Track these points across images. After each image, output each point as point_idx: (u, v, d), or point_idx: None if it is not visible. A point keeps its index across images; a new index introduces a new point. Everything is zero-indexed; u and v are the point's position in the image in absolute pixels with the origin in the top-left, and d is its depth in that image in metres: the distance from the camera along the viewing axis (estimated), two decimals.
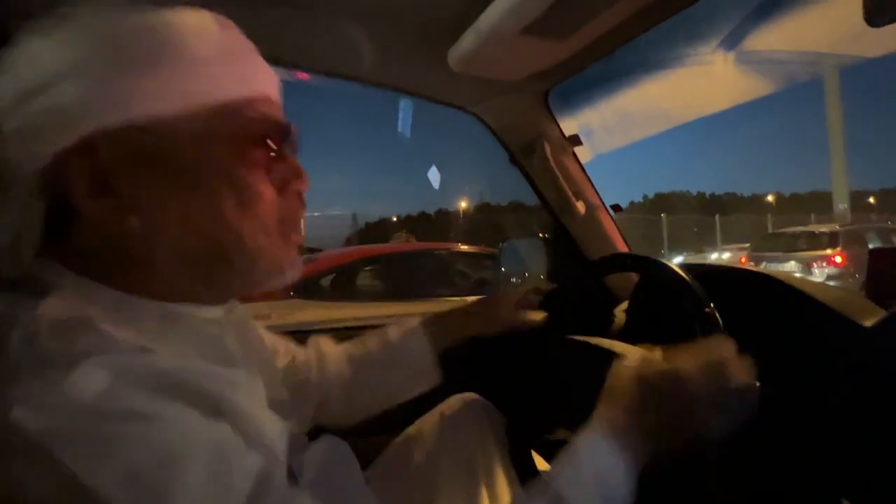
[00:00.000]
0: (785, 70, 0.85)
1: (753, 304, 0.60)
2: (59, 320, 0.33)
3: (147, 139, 0.37)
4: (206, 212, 0.39)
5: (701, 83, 1.02)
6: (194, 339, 0.41)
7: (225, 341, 0.44)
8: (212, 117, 0.39)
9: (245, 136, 0.41)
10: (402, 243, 4.73)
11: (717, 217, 16.82)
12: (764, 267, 7.96)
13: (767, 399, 0.66)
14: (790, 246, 8.78)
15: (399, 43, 0.85)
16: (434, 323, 0.78)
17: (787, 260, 8.35)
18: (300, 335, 0.79)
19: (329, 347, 0.77)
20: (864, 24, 0.56)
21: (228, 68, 0.40)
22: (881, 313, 0.65)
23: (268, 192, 0.42)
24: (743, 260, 9.42)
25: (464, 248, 4.28)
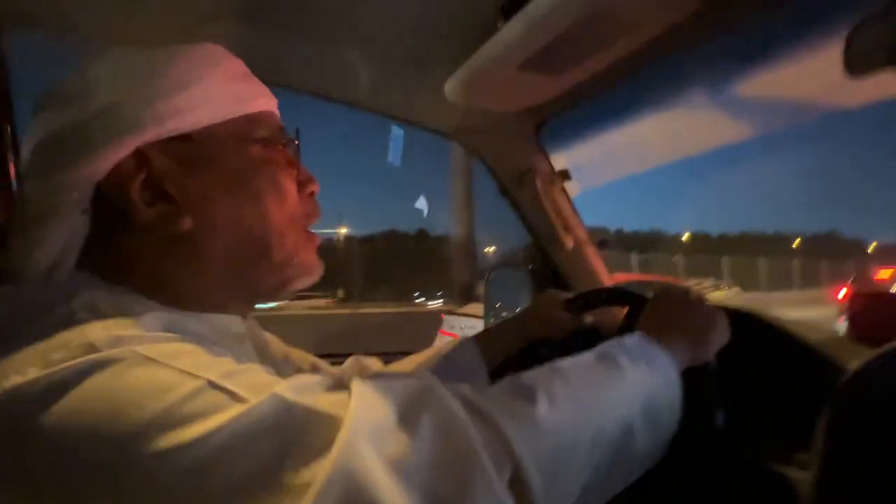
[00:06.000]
0: (767, 116, 0.89)
1: (742, 341, 0.60)
2: (102, 312, 0.36)
3: (193, 146, 0.42)
4: (251, 208, 0.44)
5: (686, 125, 1.06)
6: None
7: (249, 355, 0.47)
8: (244, 125, 0.45)
9: (271, 141, 0.47)
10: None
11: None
12: None
13: (748, 436, 0.66)
14: None
15: (397, 71, 0.86)
16: (485, 335, 0.81)
17: None
18: None
19: (372, 361, 0.77)
20: (842, 75, 0.59)
21: (247, 85, 0.47)
22: (866, 356, 0.66)
23: (293, 192, 0.48)
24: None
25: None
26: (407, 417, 0.34)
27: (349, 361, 0.76)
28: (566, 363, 0.47)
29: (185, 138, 0.42)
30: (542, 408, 0.39)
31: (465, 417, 0.35)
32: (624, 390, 0.46)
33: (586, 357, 0.49)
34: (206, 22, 0.75)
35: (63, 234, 0.40)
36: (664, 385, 0.50)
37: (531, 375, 0.44)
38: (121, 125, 0.39)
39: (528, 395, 0.40)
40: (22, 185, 0.42)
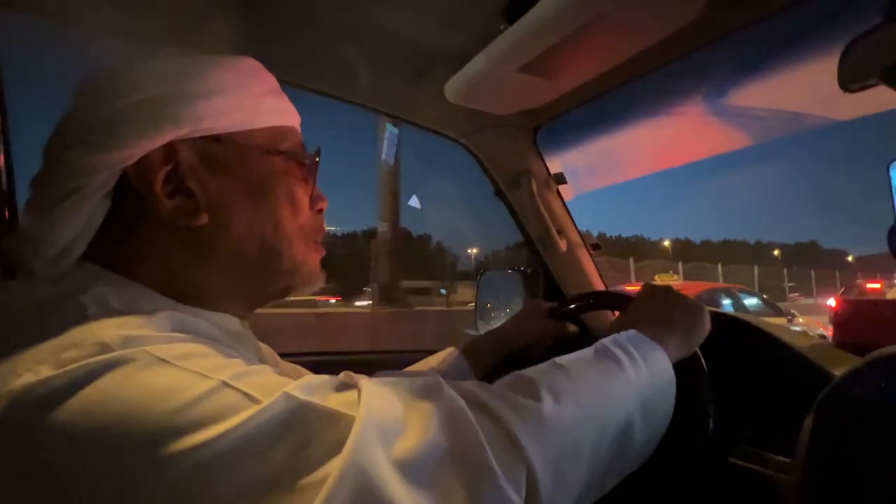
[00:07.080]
0: (762, 126, 0.91)
1: (734, 348, 0.61)
2: (112, 307, 0.36)
3: (221, 148, 0.44)
4: (265, 214, 0.46)
5: (683, 132, 1.08)
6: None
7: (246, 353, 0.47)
8: (271, 136, 0.47)
9: (293, 156, 0.48)
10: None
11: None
12: None
13: (735, 439, 0.67)
14: None
15: (399, 71, 0.86)
16: (472, 347, 0.81)
17: None
18: None
19: (360, 377, 0.76)
20: (837, 88, 0.60)
21: (279, 100, 0.49)
22: (852, 363, 0.67)
23: (306, 205, 0.49)
24: None
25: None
26: (415, 415, 0.35)
27: (341, 377, 0.75)
28: (565, 360, 0.48)
29: (214, 139, 0.43)
30: (547, 405, 0.40)
31: (472, 415, 0.36)
32: (623, 385, 0.47)
33: (584, 353, 0.50)
34: (206, 16, 0.74)
35: (83, 216, 0.40)
36: (660, 379, 0.51)
37: (533, 372, 0.45)
38: (161, 117, 0.41)
39: (532, 392, 0.41)
40: (47, 165, 0.42)
